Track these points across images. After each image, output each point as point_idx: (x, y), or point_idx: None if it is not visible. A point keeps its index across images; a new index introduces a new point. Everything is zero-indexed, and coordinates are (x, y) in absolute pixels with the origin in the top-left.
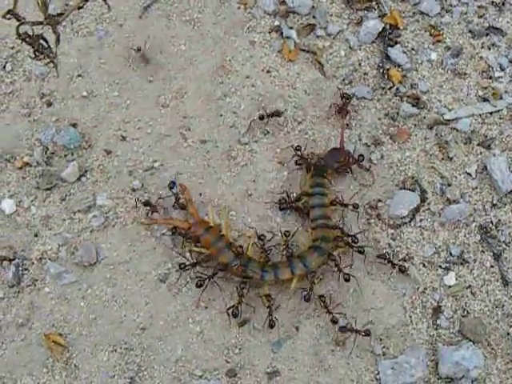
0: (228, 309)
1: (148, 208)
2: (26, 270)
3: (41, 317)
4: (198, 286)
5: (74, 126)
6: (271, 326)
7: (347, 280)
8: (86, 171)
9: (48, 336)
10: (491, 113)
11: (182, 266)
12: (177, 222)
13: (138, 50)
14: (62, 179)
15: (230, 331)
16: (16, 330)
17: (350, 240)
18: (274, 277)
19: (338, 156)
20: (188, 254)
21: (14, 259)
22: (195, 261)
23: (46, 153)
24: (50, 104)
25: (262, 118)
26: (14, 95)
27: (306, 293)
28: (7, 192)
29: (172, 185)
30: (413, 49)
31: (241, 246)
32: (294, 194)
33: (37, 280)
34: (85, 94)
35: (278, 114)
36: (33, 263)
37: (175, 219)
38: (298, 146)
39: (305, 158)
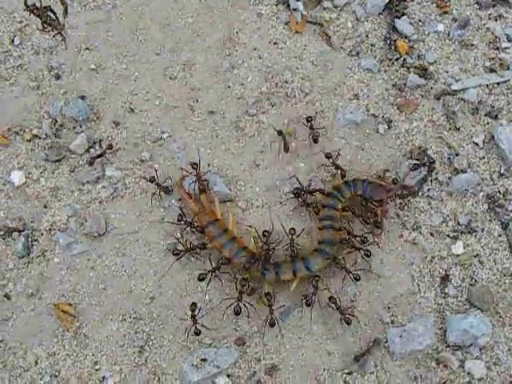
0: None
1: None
2: (35, 241)
3: (50, 287)
4: (200, 279)
5: (83, 98)
6: (272, 325)
7: (357, 280)
8: (94, 143)
9: (58, 306)
10: (498, 83)
11: (176, 251)
12: (191, 202)
13: None
14: (70, 151)
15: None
16: (26, 300)
17: (359, 240)
18: (275, 276)
19: (380, 194)
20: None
21: (23, 230)
22: (189, 247)
23: (54, 125)
24: (58, 77)
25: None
26: (23, 68)
27: (307, 297)
28: (16, 164)
29: (194, 165)
30: (420, 20)
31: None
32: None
33: (46, 251)
34: (93, 66)
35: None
36: (42, 234)
37: (191, 199)
38: (328, 153)
39: (338, 165)
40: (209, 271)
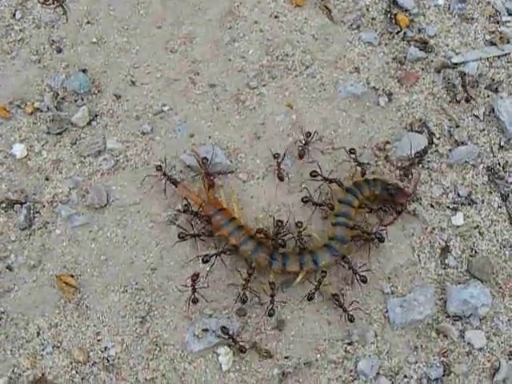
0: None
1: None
2: (37, 212)
3: (52, 258)
4: (205, 261)
5: (84, 71)
6: (270, 315)
7: (364, 282)
8: (96, 116)
9: (59, 277)
10: (498, 56)
11: (182, 235)
12: (193, 195)
13: None
14: (72, 124)
15: (240, 271)
16: (28, 272)
17: (373, 237)
18: (282, 266)
19: (400, 198)
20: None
21: (25, 202)
22: (196, 232)
23: (56, 98)
24: (59, 50)
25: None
26: (24, 42)
27: (310, 291)
28: (18, 137)
29: (205, 160)
30: None
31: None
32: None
33: (48, 223)
34: (94, 40)
35: None
36: (44, 206)
37: (193, 191)
38: (351, 148)
39: (359, 162)
40: (213, 254)
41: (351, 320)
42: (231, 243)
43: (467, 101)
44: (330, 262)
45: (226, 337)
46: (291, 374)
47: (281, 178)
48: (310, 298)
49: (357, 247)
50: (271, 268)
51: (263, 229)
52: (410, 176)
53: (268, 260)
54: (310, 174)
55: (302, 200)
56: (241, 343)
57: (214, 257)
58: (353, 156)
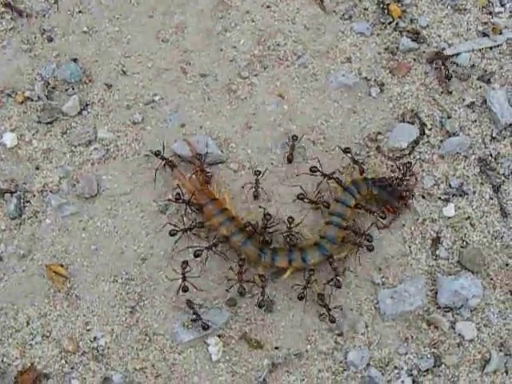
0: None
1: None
2: (27, 202)
3: (42, 248)
4: (196, 256)
5: (75, 60)
6: (260, 306)
7: (339, 287)
8: (86, 105)
9: (49, 267)
10: (491, 48)
11: (173, 232)
12: (187, 182)
13: None
14: (63, 113)
15: (230, 261)
16: (18, 262)
17: (362, 239)
18: (271, 261)
19: (395, 196)
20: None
21: (15, 192)
22: (186, 227)
23: (47, 87)
24: (50, 39)
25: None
26: (15, 31)
27: (300, 291)
28: (9, 126)
29: (199, 156)
30: None
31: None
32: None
33: (38, 212)
34: (85, 29)
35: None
36: (34, 195)
37: (186, 178)
38: (347, 147)
39: (356, 160)
40: (205, 248)
41: (332, 321)
42: (222, 234)
43: (447, 78)
44: (319, 260)
45: (191, 311)
46: (281, 364)
47: (290, 161)
48: (301, 298)
49: (349, 250)
50: (260, 262)
51: (251, 222)
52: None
53: (257, 253)
54: (310, 170)
55: (298, 197)
56: (204, 320)
57: (205, 250)
58: (349, 155)
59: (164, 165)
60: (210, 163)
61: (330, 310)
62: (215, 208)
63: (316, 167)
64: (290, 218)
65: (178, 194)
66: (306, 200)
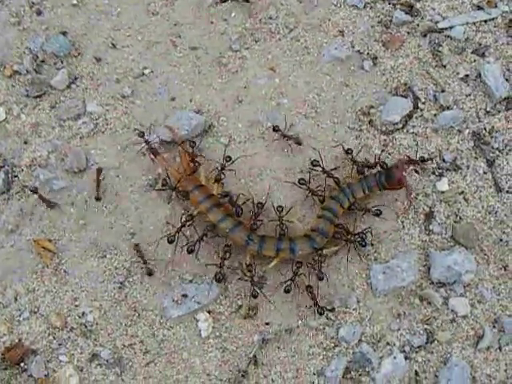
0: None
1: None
2: (15, 177)
3: (30, 223)
4: (190, 251)
5: (64, 34)
6: (254, 297)
7: (320, 279)
8: (75, 78)
9: (37, 242)
10: (485, 21)
11: (171, 239)
12: (172, 169)
13: None
14: (51, 87)
15: (220, 237)
16: (6, 237)
17: (356, 239)
18: (258, 249)
19: (396, 175)
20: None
21: (3, 166)
22: (179, 226)
23: (35, 61)
24: (39, 13)
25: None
26: (4, 4)
27: (287, 283)
28: None
29: (193, 144)
30: None
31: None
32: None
33: (26, 187)
34: (74, 2)
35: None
36: (22, 170)
37: (172, 164)
38: (349, 148)
39: (356, 160)
40: (196, 241)
41: (321, 313)
42: (209, 220)
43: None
44: (306, 252)
45: (138, 256)
46: (272, 340)
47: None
48: (287, 291)
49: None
50: (247, 248)
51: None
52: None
53: (245, 240)
54: (311, 164)
55: (299, 181)
56: (149, 266)
57: (197, 243)
58: (349, 156)
59: (147, 149)
60: (197, 135)
61: (317, 302)
62: (201, 194)
63: (317, 161)
64: (279, 206)
65: (164, 179)
66: (304, 187)
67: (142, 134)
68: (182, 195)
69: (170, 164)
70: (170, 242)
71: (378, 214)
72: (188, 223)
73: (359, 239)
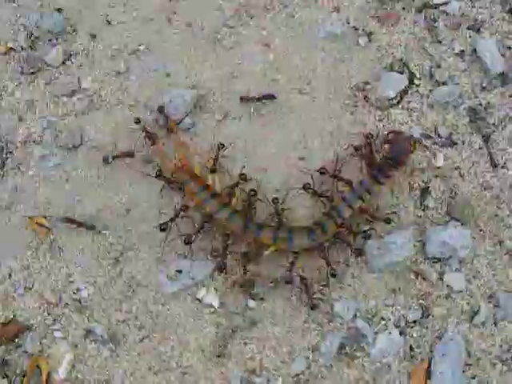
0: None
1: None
2: (10, 153)
3: (25, 200)
4: (187, 243)
5: (59, 10)
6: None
7: (334, 276)
8: (70, 55)
9: (32, 218)
10: None
11: (163, 227)
12: (166, 159)
13: None
14: (46, 63)
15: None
16: (0, 213)
17: (353, 248)
18: (255, 236)
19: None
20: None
21: None
22: (172, 216)
23: (30, 38)
24: None
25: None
26: None
27: (286, 274)
28: None
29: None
30: None
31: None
32: None
33: (21, 163)
34: None
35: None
36: (17, 147)
37: (166, 155)
38: (369, 133)
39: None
40: (193, 234)
41: (313, 308)
42: (206, 212)
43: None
44: (304, 245)
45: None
46: (266, 316)
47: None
48: (288, 282)
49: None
50: (244, 235)
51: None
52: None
53: (241, 228)
54: (319, 171)
55: (304, 187)
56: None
57: (194, 236)
58: (359, 152)
59: (144, 137)
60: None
61: (311, 296)
62: (197, 186)
63: (325, 168)
64: (274, 198)
65: (158, 170)
66: (310, 191)
67: (138, 121)
68: (177, 187)
69: (166, 154)
70: (162, 230)
71: (389, 221)
72: (182, 213)
73: (357, 251)
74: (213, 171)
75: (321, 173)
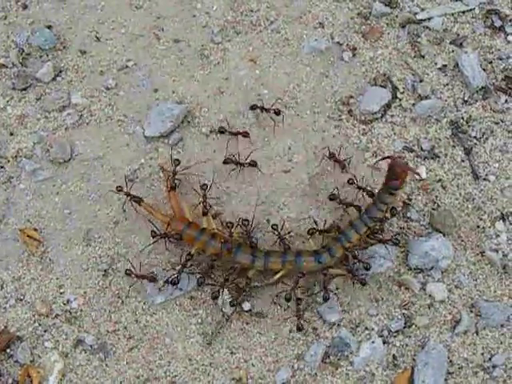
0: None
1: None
2: (1, 167)
3: (16, 213)
4: (200, 284)
5: (49, 27)
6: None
7: (326, 300)
8: (60, 71)
9: (23, 231)
10: (463, 12)
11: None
12: (159, 214)
13: None
14: (37, 79)
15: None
16: None
17: (360, 266)
18: (264, 264)
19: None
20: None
21: None
22: (182, 265)
23: (21, 54)
24: (25, 7)
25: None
26: None
27: (289, 292)
28: None
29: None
30: None
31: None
32: None
33: (12, 177)
34: None
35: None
36: (8, 161)
37: (158, 210)
38: (332, 152)
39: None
40: (205, 275)
41: (299, 329)
42: (211, 253)
43: None
44: (311, 268)
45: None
46: (254, 325)
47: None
48: (288, 299)
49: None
50: (253, 266)
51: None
52: None
53: (250, 260)
54: (329, 198)
55: (308, 233)
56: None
57: (206, 276)
58: (355, 185)
59: (130, 199)
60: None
61: (300, 317)
62: (194, 231)
63: (335, 195)
64: (273, 225)
65: (153, 231)
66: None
67: (120, 188)
68: (175, 238)
69: (155, 210)
70: (174, 283)
71: (397, 243)
72: (189, 262)
73: (360, 278)
74: (205, 214)
75: (330, 199)
